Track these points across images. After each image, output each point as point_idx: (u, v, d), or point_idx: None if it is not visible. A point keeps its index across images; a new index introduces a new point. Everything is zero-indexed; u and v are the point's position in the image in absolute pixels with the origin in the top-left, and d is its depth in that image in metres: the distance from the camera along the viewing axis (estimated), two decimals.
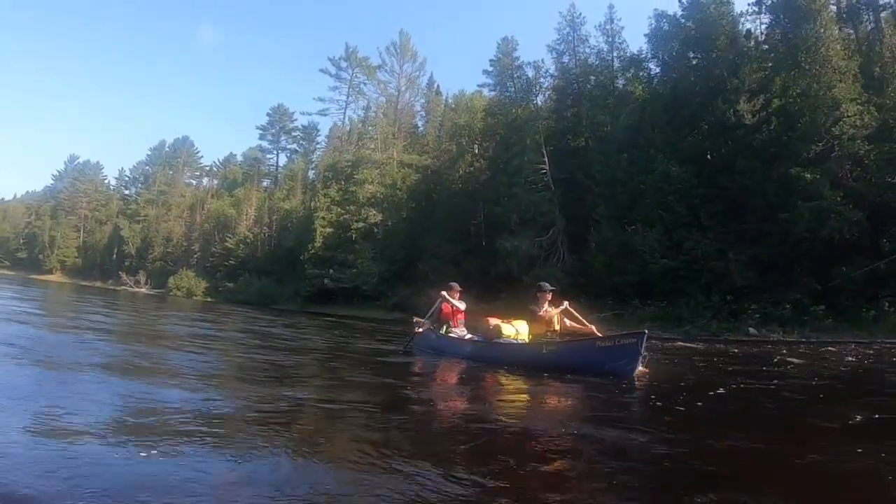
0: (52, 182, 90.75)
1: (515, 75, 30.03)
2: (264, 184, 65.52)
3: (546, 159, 26.60)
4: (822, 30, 20.09)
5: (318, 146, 65.26)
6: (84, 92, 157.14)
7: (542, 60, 29.95)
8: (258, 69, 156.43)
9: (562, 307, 8.23)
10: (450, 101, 45.29)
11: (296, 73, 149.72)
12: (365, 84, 55.75)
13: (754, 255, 19.33)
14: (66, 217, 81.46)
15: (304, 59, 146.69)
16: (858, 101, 19.32)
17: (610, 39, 28.94)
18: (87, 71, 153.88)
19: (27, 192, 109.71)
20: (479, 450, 3.20)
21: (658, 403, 5.36)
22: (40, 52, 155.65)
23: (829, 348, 13.20)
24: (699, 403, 5.17)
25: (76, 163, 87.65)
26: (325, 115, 61.89)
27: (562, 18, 29.30)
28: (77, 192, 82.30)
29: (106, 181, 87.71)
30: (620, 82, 28.68)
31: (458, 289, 9.74)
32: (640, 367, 6.76)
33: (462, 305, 9.66)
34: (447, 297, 9.52)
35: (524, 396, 6.04)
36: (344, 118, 57.94)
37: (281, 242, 47.97)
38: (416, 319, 10.63)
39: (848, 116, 18.79)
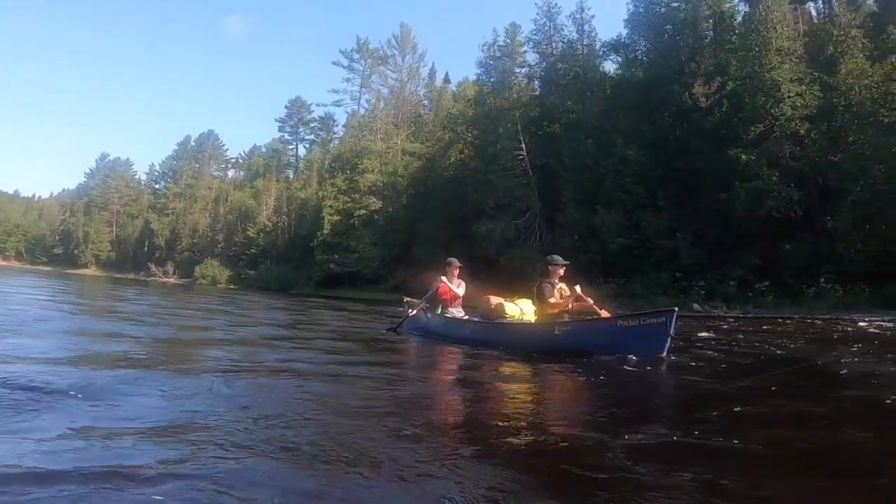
0: (85, 180, 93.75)
1: (497, 66, 31.31)
2: (287, 174, 67.94)
3: (524, 146, 27.94)
4: (766, 12, 20.73)
5: (335, 136, 66.88)
6: (113, 89, 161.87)
7: (520, 51, 31.29)
8: (283, 60, 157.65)
9: (574, 295, 6.98)
10: (454, 89, 46.93)
11: (318, 64, 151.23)
12: (370, 77, 57.64)
13: (700, 233, 20.54)
14: (99, 213, 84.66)
15: (327, 50, 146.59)
16: (803, 81, 19.97)
17: (580, 28, 29.99)
18: (115, 69, 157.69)
19: (62, 189, 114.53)
20: (481, 446, 2.74)
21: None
22: (69, 51, 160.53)
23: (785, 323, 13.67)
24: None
25: (107, 160, 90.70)
26: (340, 105, 64.31)
27: (538, 9, 30.47)
28: (109, 188, 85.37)
29: (136, 177, 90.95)
30: (592, 70, 29.63)
31: (458, 265, 8.72)
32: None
33: (461, 291, 8.68)
34: (445, 280, 8.62)
35: (531, 384, 5.29)
36: (358, 108, 59.50)
37: (298, 231, 50.32)
38: (406, 300, 9.67)
39: (788, 97, 19.51)
